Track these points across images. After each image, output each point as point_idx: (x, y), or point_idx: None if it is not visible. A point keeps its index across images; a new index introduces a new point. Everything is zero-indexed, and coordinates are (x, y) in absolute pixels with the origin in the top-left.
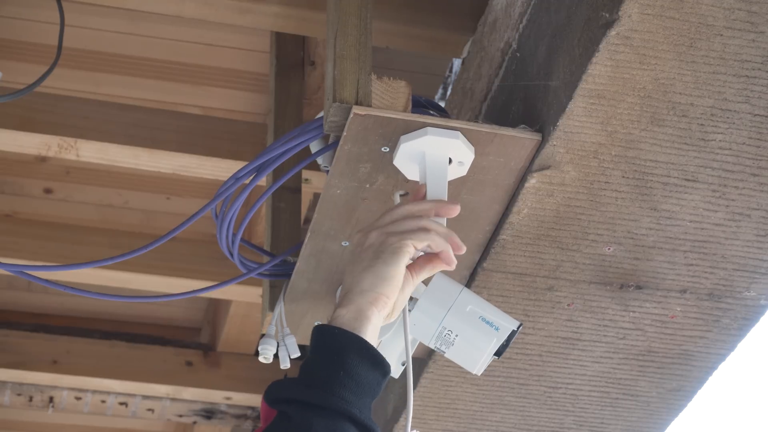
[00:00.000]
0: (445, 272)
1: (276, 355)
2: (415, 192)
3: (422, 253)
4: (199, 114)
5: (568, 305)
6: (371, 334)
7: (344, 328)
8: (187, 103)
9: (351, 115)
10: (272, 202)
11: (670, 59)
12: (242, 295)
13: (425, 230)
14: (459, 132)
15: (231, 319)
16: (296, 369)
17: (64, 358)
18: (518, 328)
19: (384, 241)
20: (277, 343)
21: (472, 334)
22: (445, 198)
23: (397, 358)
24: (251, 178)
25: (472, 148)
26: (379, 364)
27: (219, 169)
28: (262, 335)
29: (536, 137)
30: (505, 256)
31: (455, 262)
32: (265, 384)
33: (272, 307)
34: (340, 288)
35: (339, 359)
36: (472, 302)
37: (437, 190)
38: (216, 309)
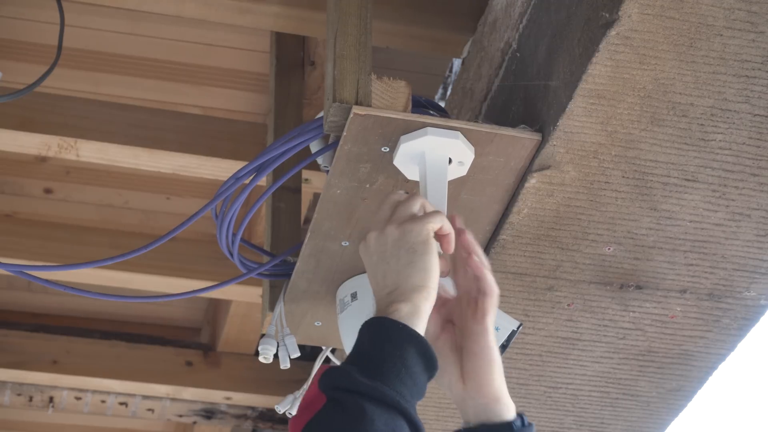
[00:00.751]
0: None
1: (276, 355)
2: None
3: None
4: (199, 114)
5: (568, 305)
6: (423, 331)
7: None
8: (187, 103)
9: (351, 115)
10: (272, 202)
11: (670, 59)
12: (242, 295)
13: (438, 212)
14: (459, 132)
15: (231, 319)
16: (296, 369)
17: (64, 358)
18: (518, 328)
19: (406, 231)
20: (277, 343)
21: None
22: (445, 197)
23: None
24: (251, 178)
25: (472, 149)
26: (432, 367)
27: (219, 169)
28: (262, 335)
29: (536, 137)
30: (505, 256)
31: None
32: (265, 384)
33: (272, 307)
34: (341, 287)
35: (401, 355)
36: None
37: (437, 190)
38: (216, 309)
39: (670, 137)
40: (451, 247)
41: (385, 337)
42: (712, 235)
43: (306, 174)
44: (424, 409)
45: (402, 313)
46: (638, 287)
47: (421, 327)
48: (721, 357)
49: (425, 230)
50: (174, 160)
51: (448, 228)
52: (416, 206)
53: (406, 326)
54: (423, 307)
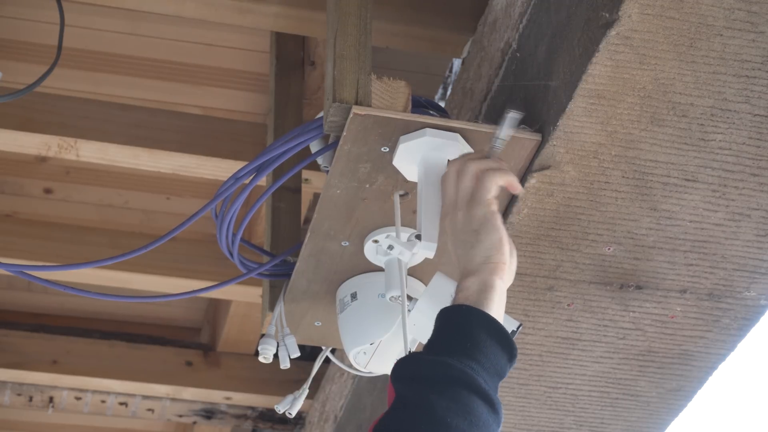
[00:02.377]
0: (444, 272)
1: (276, 355)
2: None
3: None
4: (199, 114)
5: (568, 305)
6: (498, 302)
7: (470, 305)
8: (187, 103)
9: (351, 115)
10: (272, 202)
11: (670, 59)
12: (242, 295)
13: (492, 184)
14: (458, 134)
15: (231, 319)
16: (296, 369)
17: (64, 358)
18: (518, 328)
19: (469, 217)
20: (277, 343)
21: None
22: (439, 201)
23: (397, 358)
24: (251, 178)
25: (471, 151)
26: (507, 345)
27: (219, 169)
28: (262, 335)
29: (536, 137)
30: None
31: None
32: (265, 384)
33: (272, 307)
34: (341, 287)
35: (468, 332)
36: None
37: (432, 193)
38: (216, 309)
39: (670, 137)
40: (517, 187)
41: (448, 320)
42: (712, 235)
43: (306, 174)
44: None
45: (470, 290)
46: (638, 287)
47: (492, 301)
48: (721, 357)
49: (485, 213)
50: (174, 160)
51: (509, 181)
52: (470, 182)
53: (471, 307)
54: (491, 280)
